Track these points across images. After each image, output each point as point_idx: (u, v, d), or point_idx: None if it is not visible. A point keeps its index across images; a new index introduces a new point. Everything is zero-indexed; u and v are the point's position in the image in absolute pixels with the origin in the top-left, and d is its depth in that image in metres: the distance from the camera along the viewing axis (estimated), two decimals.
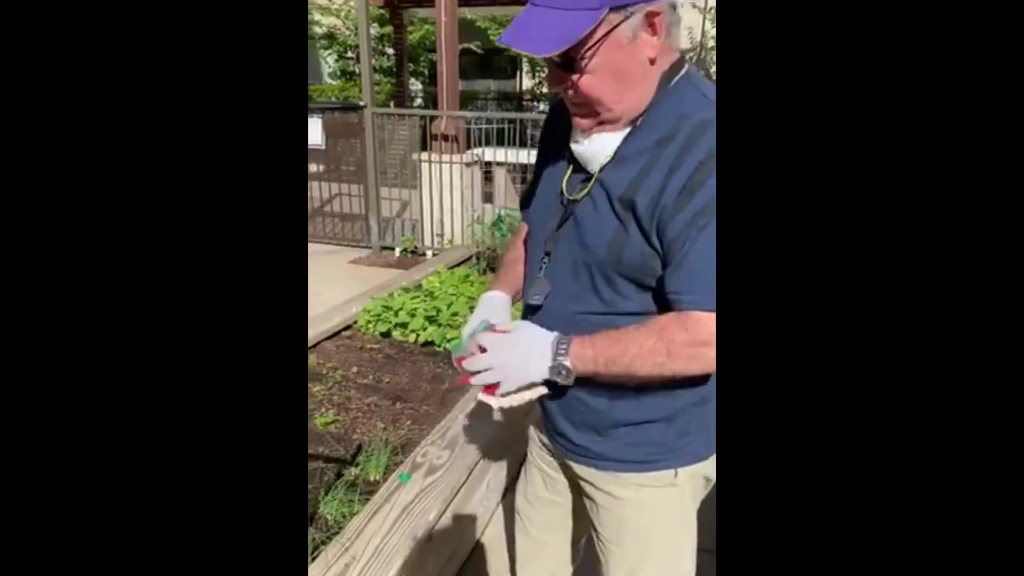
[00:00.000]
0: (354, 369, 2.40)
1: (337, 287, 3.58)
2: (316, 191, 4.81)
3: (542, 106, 10.08)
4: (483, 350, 0.83)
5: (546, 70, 0.86)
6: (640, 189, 0.75)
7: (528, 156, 4.46)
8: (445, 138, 4.40)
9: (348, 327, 2.77)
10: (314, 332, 2.59)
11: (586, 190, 0.82)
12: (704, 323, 0.73)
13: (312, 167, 5.30)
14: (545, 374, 0.80)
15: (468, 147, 4.59)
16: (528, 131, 4.39)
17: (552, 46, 0.70)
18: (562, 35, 0.70)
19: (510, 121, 4.29)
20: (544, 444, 1.02)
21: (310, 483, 1.69)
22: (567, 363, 0.78)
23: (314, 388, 2.22)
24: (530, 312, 0.89)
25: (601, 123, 0.79)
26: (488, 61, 11.77)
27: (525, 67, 11.05)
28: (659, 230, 0.74)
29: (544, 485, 1.05)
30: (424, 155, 4.48)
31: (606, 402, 0.85)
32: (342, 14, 9.31)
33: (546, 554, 1.11)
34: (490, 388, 0.84)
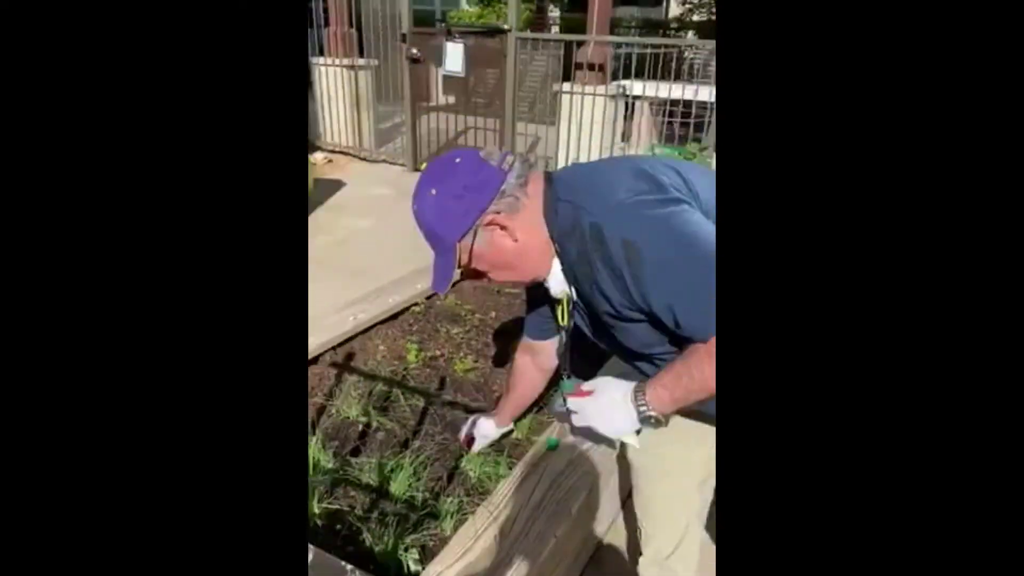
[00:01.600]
0: (492, 314, 2.28)
1: None
2: (448, 123, 4.70)
3: (690, 35, 9.18)
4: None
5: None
6: (609, 298, 0.88)
7: (682, 91, 4.00)
8: (591, 67, 4.04)
9: None
10: None
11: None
12: None
13: (450, 98, 5.18)
14: (636, 426, 0.91)
15: (613, 78, 4.20)
16: (681, 63, 3.92)
17: (444, 284, 1.00)
18: (445, 274, 0.98)
19: (667, 46, 3.83)
20: None
21: (452, 433, 1.60)
22: (652, 413, 0.87)
23: (453, 330, 2.13)
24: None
25: (520, 281, 1.06)
26: None
27: None
28: (648, 310, 0.85)
29: None
30: (566, 85, 4.17)
31: None
32: None
33: None
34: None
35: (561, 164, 4.24)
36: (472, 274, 1.03)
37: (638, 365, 1.01)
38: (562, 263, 0.96)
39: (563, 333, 1.11)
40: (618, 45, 4.14)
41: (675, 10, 10.30)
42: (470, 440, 1.49)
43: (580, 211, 0.87)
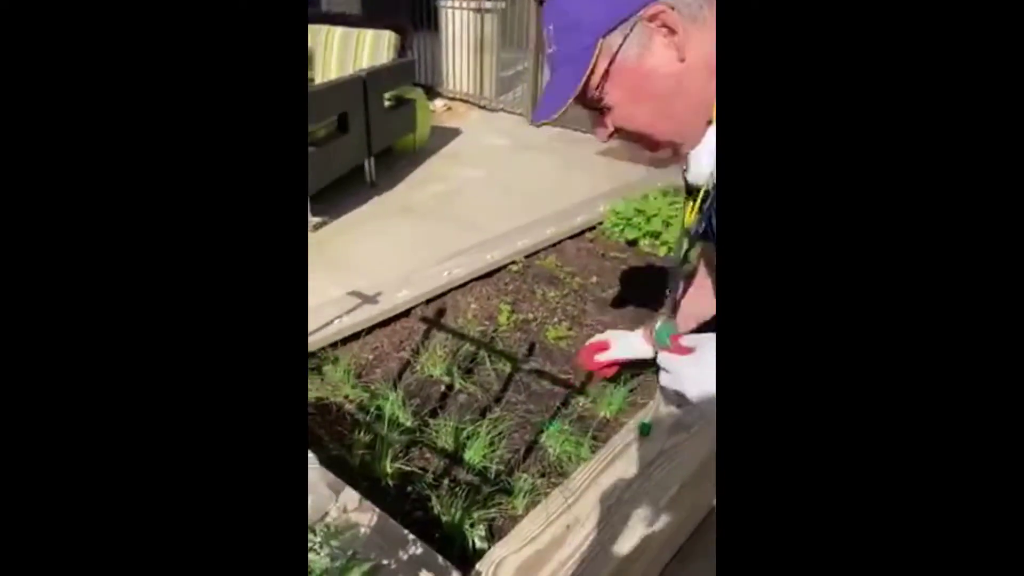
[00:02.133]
0: (593, 279, 2.13)
1: (583, 179, 3.30)
2: None
3: None
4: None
5: None
6: None
7: None
8: None
9: (593, 227, 2.49)
10: (557, 230, 2.37)
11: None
12: None
13: None
14: None
15: None
16: None
17: (553, 109, 0.69)
18: (561, 93, 0.68)
19: None
20: None
21: (533, 404, 1.51)
22: None
23: (550, 293, 2.02)
24: None
25: (674, 151, 0.75)
26: None
27: None
28: None
29: None
30: None
31: None
32: None
33: None
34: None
35: None
36: (590, 103, 0.72)
37: None
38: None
39: (684, 243, 0.86)
40: None
41: None
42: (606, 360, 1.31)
43: None
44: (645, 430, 1.33)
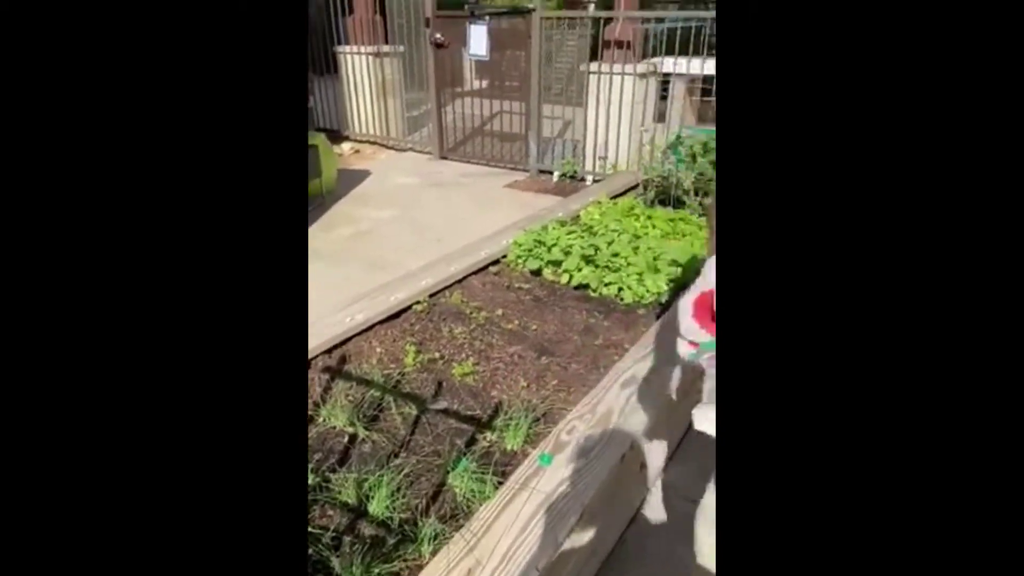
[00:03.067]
0: (499, 311, 2.16)
1: (489, 213, 3.36)
2: (477, 108, 4.57)
3: None
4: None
5: None
6: None
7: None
8: (619, 44, 3.83)
9: (497, 261, 2.54)
10: (462, 266, 2.39)
11: None
12: None
13: (483, 82, 5.04)
14: None
15: (644, 56, 3.97)
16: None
17: None
18: None
19: (698, 20, 3.58)
20: None
21: (440, 445, 1.50)
22: None
23: (456, 330, 2.02)
24: None
25: None
26: None
27: None
28: None
29: None
30: (593, 65, 3.97)
31: None
32: None
33: None
34: None
35: (590, 148, 4.06)
36: None
37: None
38: None
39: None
40: (646, 20, 3.89)
41: None
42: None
43: None
44: (545, 461, 1.35)
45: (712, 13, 3.63)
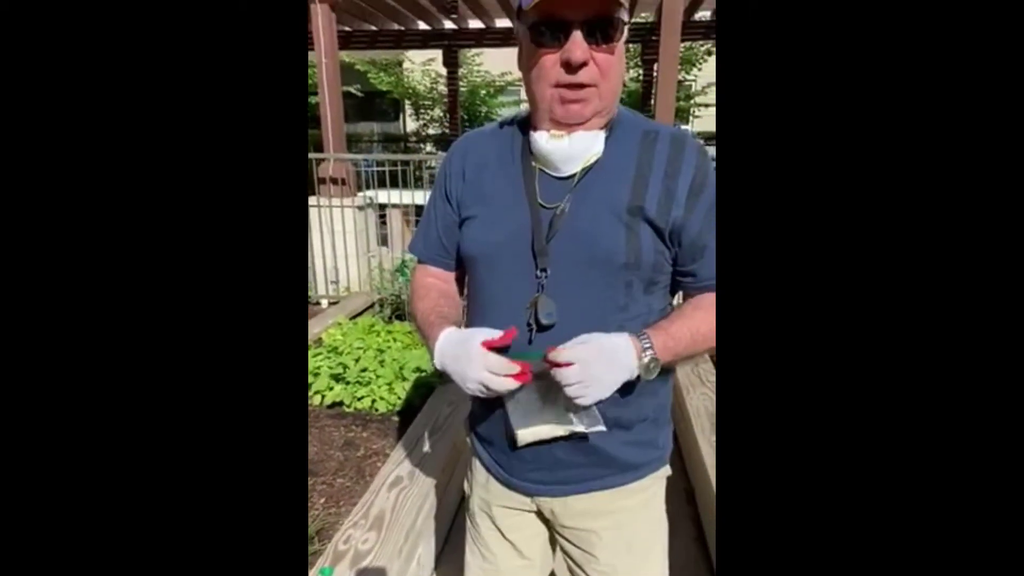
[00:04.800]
0: None
1: None
2: None
3: (428, 147, 10.02)
4: (553, 364, 0.76)
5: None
6: (645, 196, 0.80)
7: (424, 197, 4.33)
8: (334, 181, 4.18)
9: None
10: None
11: (564, 202, 0.82)
12: None
13: None
14: (635, 372, 0.78)
15: (359, 190, 4.38)
16: (421, 172, 4.27)
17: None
18: None
19: (402, 163, 4.15)
20: (512, 508, 0.96)
21: None
22: (655, 355, 0.78)
23: None
24: (539, 331, 0.83)
25: (595, 114, 0.80)
26: (370, 104, 11.59)
27: (408, 110, 10.97)
28: (674, 231, 0.81)
29: (517, 554, 0.99)
30: (312, 200, 4.22)
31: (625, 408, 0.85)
32: None
33: None
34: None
35: (320, 274, 4.20)
36: (597, 37, 0.75)
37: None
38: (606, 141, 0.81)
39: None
40: (356, 163, 4.37)
41: (412, 125, 11.22)
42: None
43: (652, 122, 0.86)
44: (326, 573, 1.38)
45: (415, 156, 4.24)
